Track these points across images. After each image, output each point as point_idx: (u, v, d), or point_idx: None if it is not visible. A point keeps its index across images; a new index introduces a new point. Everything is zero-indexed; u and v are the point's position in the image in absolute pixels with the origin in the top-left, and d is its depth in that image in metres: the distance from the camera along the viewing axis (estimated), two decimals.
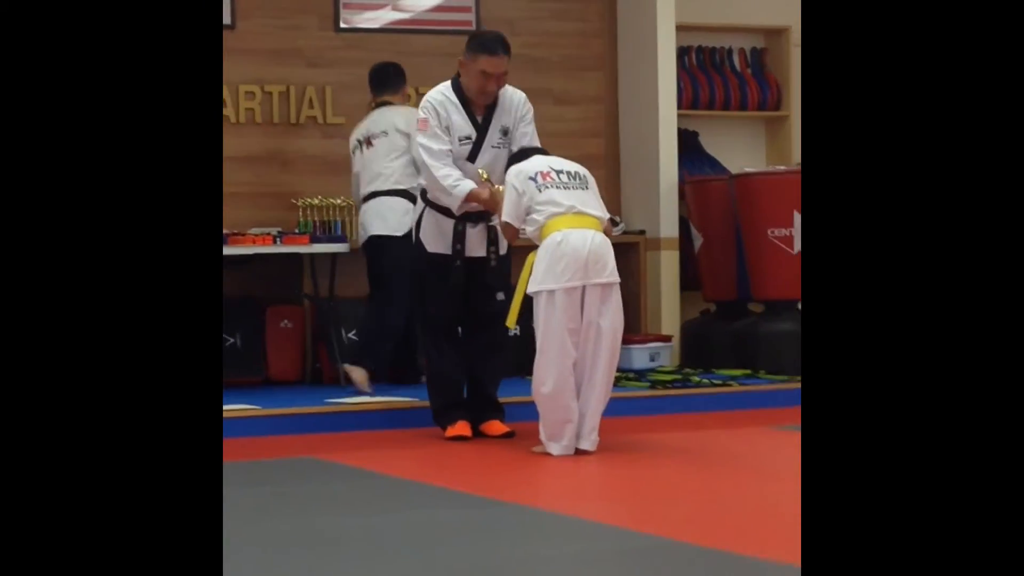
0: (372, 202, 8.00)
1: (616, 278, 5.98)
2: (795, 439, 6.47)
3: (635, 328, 9.14)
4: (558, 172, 6.07)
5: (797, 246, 8.69)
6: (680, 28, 9.31)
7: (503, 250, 6.52)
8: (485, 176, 6.32)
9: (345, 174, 8.64)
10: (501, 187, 6.19)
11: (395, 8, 9.26)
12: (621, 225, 9.29)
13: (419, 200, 6.70)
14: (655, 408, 7.60)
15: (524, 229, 6.07)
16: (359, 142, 8.15)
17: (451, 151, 6.42)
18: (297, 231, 8.41)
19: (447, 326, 6.62)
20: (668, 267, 9.22)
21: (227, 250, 7.68)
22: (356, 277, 8.48)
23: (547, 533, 4.37)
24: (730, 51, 9.99)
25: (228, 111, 8.75)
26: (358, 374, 7.70)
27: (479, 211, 6.43)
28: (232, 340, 8.42)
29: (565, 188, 6.01)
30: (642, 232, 9.27)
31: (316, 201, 8.70)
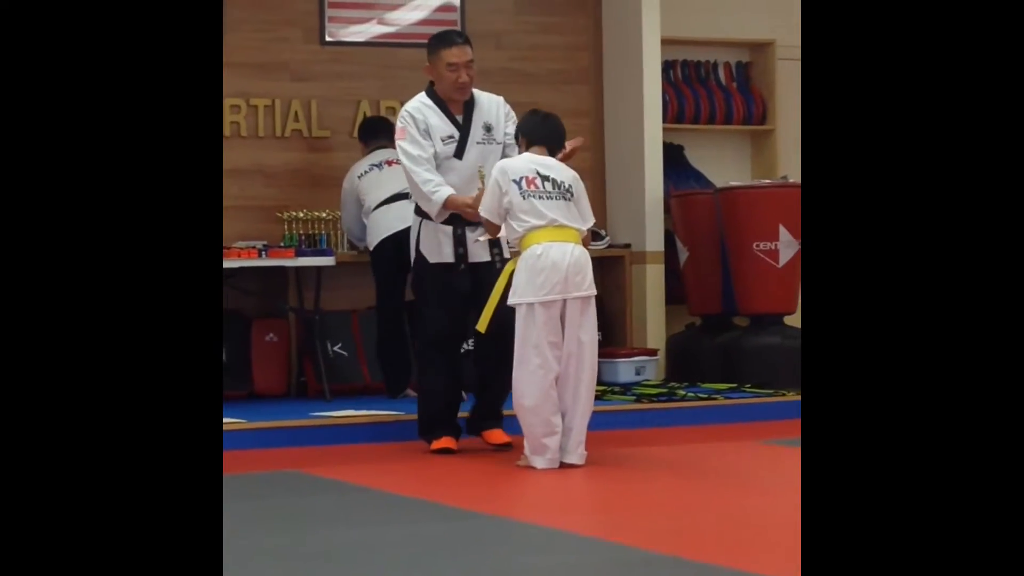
0: (404, 202, 7.97)
1: (594, 291, 6.01)
2: (782, 452, 6.47)
3: (621, 342, 9.14)
4: (544, 179, 6.01)
5: (783, 260, 8.70)
6: (665, 42, 9.32)
7: (507, 253, 6.45)
8: (484, 174, 6.28)
9: (330, 187, 8.64)
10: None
11: (380, 22, 9.26)
12: (606, 239, 9.30)
13: (414, 212, 6.67)
14: (641, 422, 7.60)
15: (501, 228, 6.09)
16: (373, 166, 8.18)
17: (433, 156, 6.42)
18: (282, 244, 8.40)
19: (443, 340, 6.55)
20: (653, 281, 9.22)
21: None
22: (342, 290, 8.47)
23: (533, 546, 4.36)
24: (715, 65, 10.00)
25: None
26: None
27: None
28: None
29: (548, 199, 5.98)
30: (627, 246, 9.27)
31: (301, 214, 8.69)
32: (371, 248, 8.11)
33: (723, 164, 9.87)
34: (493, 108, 6.59)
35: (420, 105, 6.53)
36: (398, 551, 4.24)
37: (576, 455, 5.96)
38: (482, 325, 6.14)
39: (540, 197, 5.98)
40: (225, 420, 6.98)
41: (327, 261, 8.19)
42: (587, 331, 5.97)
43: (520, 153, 6.21)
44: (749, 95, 9.94)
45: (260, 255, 7.99)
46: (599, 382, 8.67)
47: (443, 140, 6.47)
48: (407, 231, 7.89)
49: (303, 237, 8.61)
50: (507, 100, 6.71)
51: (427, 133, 6.45)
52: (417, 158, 6.39)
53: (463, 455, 6.47)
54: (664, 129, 9.34)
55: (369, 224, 8.14)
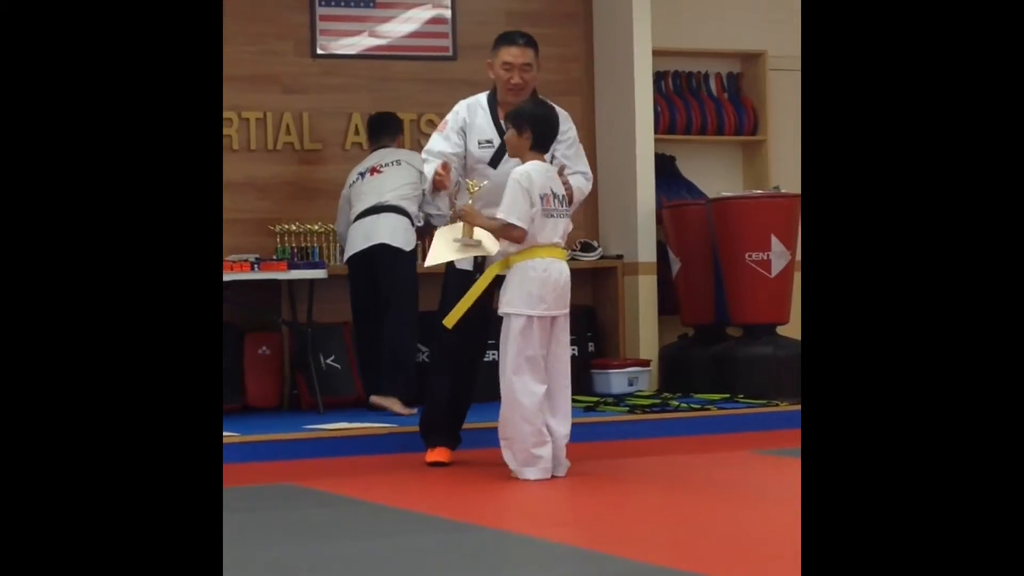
0: (374, 216, 7.98)
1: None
2: (775, 463, 6.47)
3: (613, 353, 9.15)
4: (554, 196, 5.98)
5: (775, 270, 8.70)
6: (657, 53, 9.33)
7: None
8: (474, 189, 6.03)
9: (322, 200, 8.65)
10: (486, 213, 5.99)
11: (371, 34, 9.26)
12: (599, 250, 9.31)
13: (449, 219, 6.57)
14: (634, 433, 7.59)
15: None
16: (361, 174, 8.20)
17: (461, 156, 6.30)
18: (275, 257, 8.39)
19: (459, 349, 6.40)
20: (646, 292, 9.23)
21: None
22: (334, 303, 8.47)
23: (527, 558, 4.35)
24: (706, 76, 10.01)
25: None
26: (391, 403, 7.76)
27: None
28: None
29: (556, 217, 5.96)
30: (619, 257, 9.28)
31: (293, 227, 8.70)
32: (345, 262, 8.15)
33: (715, 175, 9.88)
34: None
35: (474, 102, 6.39)
36: (393, 564, 4.24)
37: (563, 467, 5.98)
38: (450, 320, 6.08)
39: (552, 216, 5.94)
40: None
41: (319, 274, 8.18)
42: (566, 345, 6.04)
43: (527, 147, 5.99)
44: (740, 106, 9.95)
45: (252, 268, 7.99)
46: (592, 393, 8.73)
47: (481, 144, 6.32)
48: (374, 249, 7.92)
49: (295, 250, 8.61)
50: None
51: (462, 132, 6.34)
52: (437, 154, 6.27)
53: (456, 467, 6.46)
54: (656, 140, 9.36)
55: (347, 237, 8.18)
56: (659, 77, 9.71)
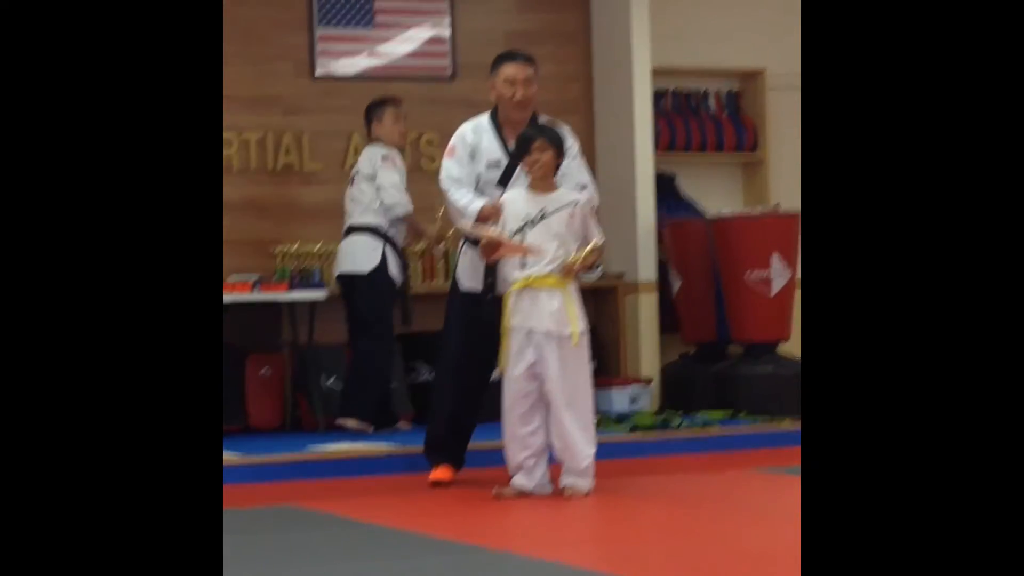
0: (345, 240, 8.03)
1: None
2: (778, 481, 6.46)
3: (615, 371, 9.14)
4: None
5: (775, 288, 8.70)
6: (656, 72, 9.34)
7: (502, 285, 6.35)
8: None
9: (322, 220, 8.66)
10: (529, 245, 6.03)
11: (371, 55, 9.27)
12: (599, 269, 9.30)
13: (462, 241, 6.54)
14: (636, 451, 7.58)
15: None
16: (351, 178, 8.18)
17: (476, 179, 6.29)
18: (275, 278, 8.39)
19: (462, 367, 6.43)
20: (647, 310, 9.22)
21: None
22: (335, 323, 8.46)
23: None
24: (706, 94, 10.02)
25: None
26: (353, 423, 7.76)
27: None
28: None
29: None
30: (620, 275, 9.27)
31: (294, 248, 8.69)
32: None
33: (714, 193, 9.88)
34: None
35: (478, 124, 6.40)
36: None
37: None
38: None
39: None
40: None
41: (320, 295, 8.18)
42: None
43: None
44: (740, 124, 9.96)
45: (253, 289, 7.98)
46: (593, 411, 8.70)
47: (488, 165, 6.33)
48: (342, 277, 7.92)
49: (295, 271, 8.60)
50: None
51: (472, 156, 6.34)
52: (458, 180, 6.28)
53: (459, 487, 6.44)
54: (655, 158, 9.36)
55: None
56: (658, 96, 9.71)
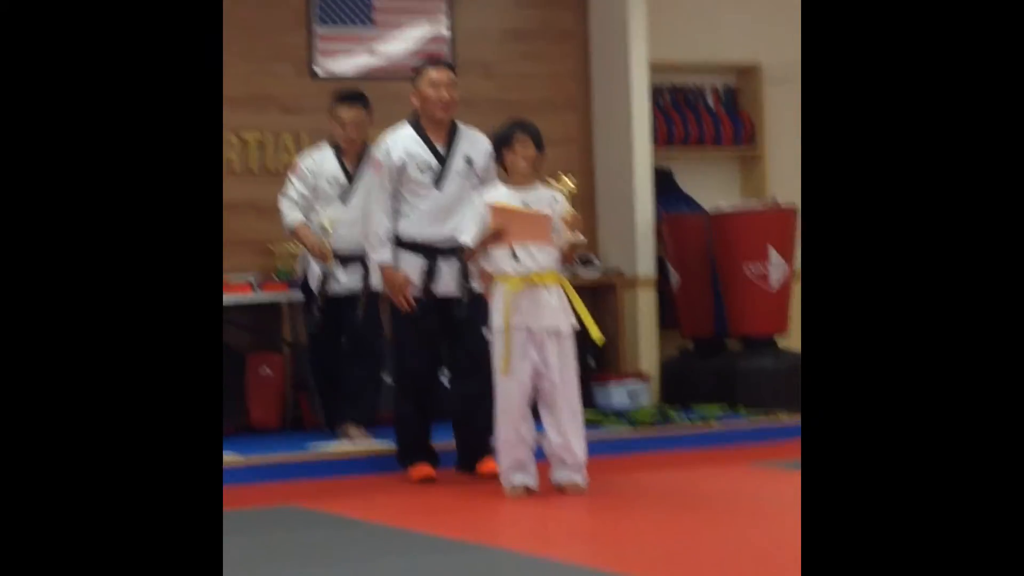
0: None
1: None
2: (777, 475, 6.47)
3: (614, 367, 9.15)
4: None
5: (774, 282, 8.71)
6: (653, 67, 9.35)
7: (477, 286, 6.42)
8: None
9: None
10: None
11: (370, 54, 9.28)
12: (598, 264, 9.31)
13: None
14: (635, 447, 7.60)
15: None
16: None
17: (397, 193, 6.51)
18: (275, 278, 8.40)
19: (418, 374, 6.63)
20: (645, 306, 9.23)
21: None
22: None
23: None
24: (703, 89, 10.03)
25: None
26: (353, 430, 7.75)
27: (451, 247, 6.40)
28: None
29: None
30: (619, 271, 9.28)
31: (294, 248, 8.69)
32: None
33: (712, 188, 9.88)
34: (478, 145, 6.60)
35: (401, 135, 6.56)
36: None
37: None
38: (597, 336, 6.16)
39: None
40: None
41: None
42: None
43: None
44: (737, 118, 9.96)
45: (253, 289, 7.99)
46: (592, 407, 8.71)
47: (420, 168, 6.49)
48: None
49: (296, 271, 8.59)
50: (496, 129, 6.68)
51: (400, 170, 6.49)
52: (381, 200, 6.51)
53: (458, 485, 6.46)
54: (653, 154, 9.36)
55: None
56: (656, 91, 9.71)
